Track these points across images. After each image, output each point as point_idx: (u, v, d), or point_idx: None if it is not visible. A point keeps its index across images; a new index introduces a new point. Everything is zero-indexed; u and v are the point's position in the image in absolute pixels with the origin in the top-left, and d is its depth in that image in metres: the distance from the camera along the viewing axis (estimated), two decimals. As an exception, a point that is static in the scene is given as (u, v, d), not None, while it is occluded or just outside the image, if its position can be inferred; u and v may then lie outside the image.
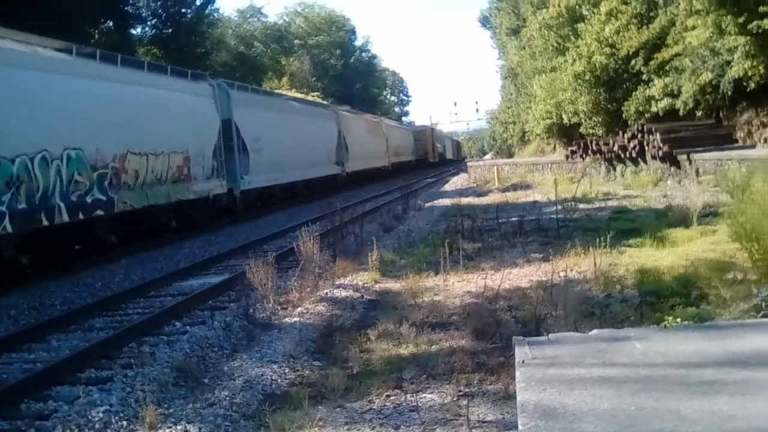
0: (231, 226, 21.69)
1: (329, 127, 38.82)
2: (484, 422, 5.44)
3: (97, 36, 34.83)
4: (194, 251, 17.07)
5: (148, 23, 43.33)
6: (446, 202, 26.64)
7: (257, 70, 55.81)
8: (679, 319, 5.72)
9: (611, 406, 3.66)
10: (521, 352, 4.72)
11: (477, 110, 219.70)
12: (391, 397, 6.25)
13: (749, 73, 19.74)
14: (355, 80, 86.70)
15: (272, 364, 7.57)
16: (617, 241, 11.87)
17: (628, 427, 3.40)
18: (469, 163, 64.09)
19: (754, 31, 18.74)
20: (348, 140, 41.52)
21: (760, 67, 19.37)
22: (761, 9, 18.33)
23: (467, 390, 6.20)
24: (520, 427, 3.54)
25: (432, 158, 75.55)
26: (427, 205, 26.63)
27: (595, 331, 5.25)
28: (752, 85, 20.07)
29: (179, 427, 5.86)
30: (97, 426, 5.95)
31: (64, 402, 6.56)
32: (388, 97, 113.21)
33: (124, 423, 6.10)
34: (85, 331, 9.71)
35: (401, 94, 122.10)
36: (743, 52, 19.66)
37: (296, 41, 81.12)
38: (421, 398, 6.09)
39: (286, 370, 7.42)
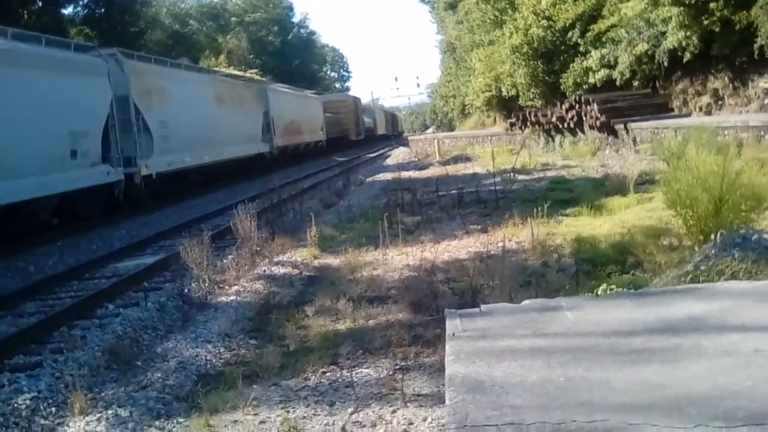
0: (168, 208, 21.28)
1: (252, 102, 34.76)
2: (419, 396, 5.41)
3: (26, 16, 33.92)
4: (131, 232, 16.76)
5: (80, 3, 42.41)
6: (387, 176, 26.58)
7: (194, 49, 55.12)
8: (613, 287, 5.73)
9: (540, 377, 3.62)
10: (452, 324, 4.68)
11: (418, 85, 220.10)
12: (327, 374, 6.19)
13: (684, 44, 19.96)
14: (293, 57, 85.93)
15: (207, 344, 7.45)
16: (555, 211, 11.95)
17: (557, 398, 3.36)
18: (410, 138, 64.36)
19: (687, 2, 18.95)
20: (274, 115, 37.28)
21: (694, 38, 19.60)
22: (694, -20, 18.55)
23: (403, 364, 6.16)
24: (447, 401, 3.49)
25: (354, 135, 64.09)
26: (368, 179, 26.57)
27: (527, 302, 5.22)
28: (687, 56, 20.30)
29: (110, 412, 5.72)
30: (24, 414, 5.78)
31: (-11, 390, 6.38)
32: (328, 73, 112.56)
33: (53, 410, 5.94)
34: (15, 316, 9.46)
35: (341, 70, 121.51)
36: (677, 22, 19.86)
37: (233, 19, 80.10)
38: (356, 374, 6.04)
39: (221, 350, 7.30)
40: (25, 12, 34.54)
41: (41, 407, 5.96)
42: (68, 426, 5.60)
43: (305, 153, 44.25)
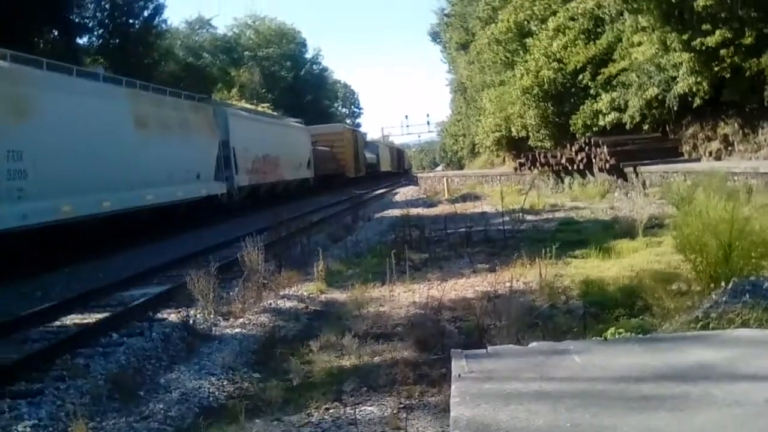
0: (171, 238, 21.30)
1: (201, 129, 26.80)
2: (423, 436, 5.34)
3: (41, 45, 34.19)
4: (136, 262, 16.74)
5: (95, 33, 42.78)
6: (396, 212, 26.56)
7: (205, 81, 55.35)
8: (621, 331, 5.68)
9: (546, 422, 3.58)
10: (458, 365, 4.63)
11: (428, 123, 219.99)
12: (330, 410, 6.13)
13: (694, 89, 20.03)
14: (305, 92, 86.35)
15: (210, 376, 7.41)
16: (563, 252, 11.88)
17: (563, 444, 3.32)
18: (419, 175, 64.45)
19: (697, 48, 19.04)
20: (237, 147, 30.27)
21: (704, 83, 19.66)
22: (704, 27, 18.67)
23: (408, 402, 6.10)
24: (451, 444, 3.44)
25: (353, 172, 58.38)
26: (376, 215, 26.55)
27: (534, 344, 5.18)
28: (697, 101, 20.37)
29: (110, 442, 5.67)
30: (23, 442, 5.74)
31: (-9, 416, 6.33)
32: (339, 108, 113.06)
33: (53, 438, 5.90)
34: (19, 343, 9.43)
35: (353, 106, 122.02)
36: (688, 68, 19.95)
37: (246, 53, 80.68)
38: (360, 411, 5.97)
39: (225, 383, 7.25)
40: (41, 41, 34.82)
41: (41, 435, 5.92)
42: (68, 455, 5.55)
43: (284, 194, 37.29)
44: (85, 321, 10.45)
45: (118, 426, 6.07)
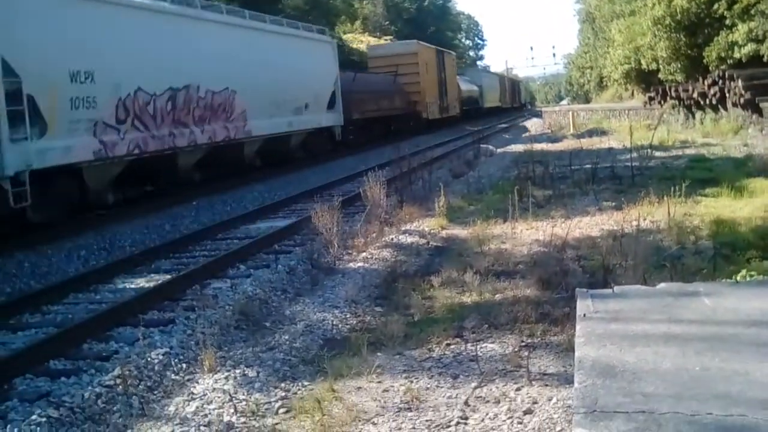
0: (297, 172, 21.64)
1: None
2: (545, 375, 5.30)
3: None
4: (263, 194, 17.13)
5: (219, -30, 43.26)
6: (519, 148, 26.24)
7: (330, 14, 55.36)
8: (753, 274, 5.47)
9: (674, 365, 3.49)
10: (583, 305, 4.56)
11: (554, 55, 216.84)
12: (451, 346, 6.15)
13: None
14: (428, 24, 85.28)
15: (334, 309, 7.54)
16: (693, 191, 11.52)
17: (692, 388, 3.22)
18: (543, 109, 63.14)
19: None
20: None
21: None
22: None
23: (529, 341, 6.06)
24: (575, 385, 3.40)
25: (436, 111, 41.89)
26: (499, 151, 26.32)
27: (662, 285, 5.04)
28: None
29: (237, 371, 5.85)
30: (156, 368, 5.98)
31: (125, 343, 6.63)
32: (462, 41, 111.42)
33: (184, 365, 6.13)
34: (150, 273, 9.81)
35: (476, 38, 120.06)
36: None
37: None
38: (481, 348, 5.97)
39: (348, 316, 7.37)
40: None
41: (172, 363, 6.16)
42: (197, 383, 5.75)
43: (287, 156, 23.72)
44: (213, 252, 10.75)
45: (245, 356, 6.25)
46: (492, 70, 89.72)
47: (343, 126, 26.81)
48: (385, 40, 57.06)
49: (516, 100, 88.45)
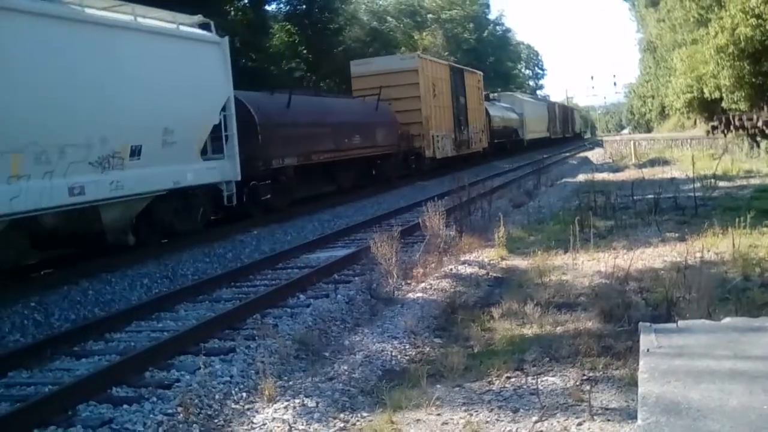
0: (357, 201, 21.76)
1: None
2: (607, 409, 5.22)
3: (232, 13, 35.52)
4: (323, 224, 17.24)
5: (282, 0, 43.96)
6: (580, 177, 26.05)
7: (390, 45, 55.78)
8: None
9: (741, 403, 3.40)
10: (647, 339, 4.48)
11: (614, 84, 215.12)
12: (512, 379, 6.10)
13: None
14: (488, 54, 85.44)
15: (393, 339, 7.52)
16: (759, 222, 11.27)
17: (760, 428, 3.14)
18: (604, 138, 62.56)
19: None
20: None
21: None
22: None
23: (591, 375, 5.97)
24: (639, 422, 3.33)
25: (450, 148, 32.90)
26: (559, 181, 26.14)
27: (728, 320, 4.93)
28: None
29: (297, 401, 5.86)
30: (216, 397, 6.03)
31: (187, 372, 6.69)
32: (522, 70, 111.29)
33: (244, 394, 6.18)
34: (212, 302, 9.92)
35: (536, 68, 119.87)
36: None
37: (429, 16, 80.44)
38: (542, 381, 5.91)
39: (407, 346, 7.35)
40: (232, 9, 36.12)
41: (233, 392, 6.20)
42: (257, 412, 5.79)
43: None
44: (274, 282, 10.83)
45: (304, 385, 6.26)
46: (552, 98, 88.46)
47: (257, 180, 17.14)
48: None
49: (569, 130, 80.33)
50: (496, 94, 53.39)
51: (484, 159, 39.63)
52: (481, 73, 41.94)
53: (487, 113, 42.06)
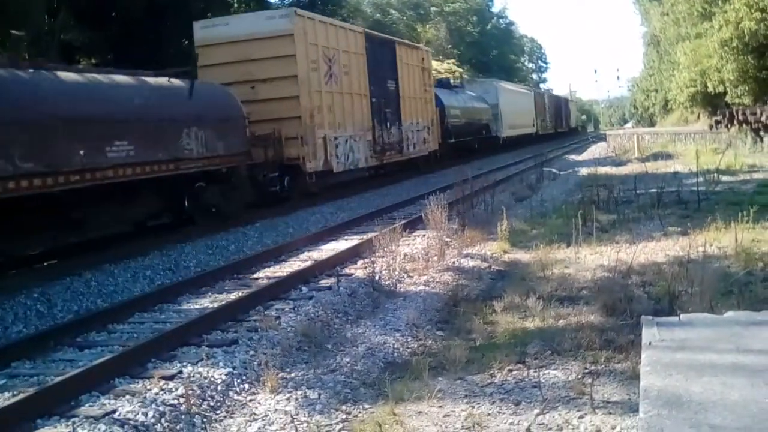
0: (362, 193, 21.76)
1: None
2: (608, 403, 5.23)
3: (236, 4, 35.48)
4: (326, 216, 17.24)
5: (287, -10, 43.90)
6: (583, 171, 26.04)
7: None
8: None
9: (743, 396, 3.41)
10: (649, 333, 4.48)
11: (618, 78, 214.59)
12: (514, 372, 6.11)
13: None
14: (491, 47, 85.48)
15: (395, 332, 7.55)
16: (761, 216, 11.26)
17: (761, 421, 3.15)
18: (608, 132, 62.46)
19: None
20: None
21: None
22: None
23: (593, 368, 5.99)
24: (641, 414, 3.34)
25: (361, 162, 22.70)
26: (562, 173, 26.13)
27: (730, 313, 4.94)
28: None
29: (299, 393, 5.89)
30: (219, 388, 6.04)
31: (189, 363, 6.69)
32: (525, 63, 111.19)
33: (246, 386, 6.18)
34: (215, 293, 9.92)
35: (539, 61, 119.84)
36: None
37: (433, 9, 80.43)
38: (544, 374, 5.93)
39: (409, 339, 7.37)
40: (236, 1, 36.09)
41: (235, 383, 6.22)
42: (259, 403, 5.81)
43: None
44: (277, 274, 10.84)
45: (306, 377, 6.29)
46: (555, 92, 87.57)
47: None
48: (448, 63, 57.09)
49: (562, 124, 71.26)
50: (458, 81, 45.08)
51: (434, 167, 29.74)
52: (429, 50, 32.46)
53: (440, 104, 32.53)
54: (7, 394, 6.20)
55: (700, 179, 15.98)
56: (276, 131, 18.14)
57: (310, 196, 19.35)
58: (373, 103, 23.69)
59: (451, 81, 41.95)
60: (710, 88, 32.21)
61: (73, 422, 5.43)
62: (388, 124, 25.02)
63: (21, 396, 5.85)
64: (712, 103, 34.92)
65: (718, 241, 10.10)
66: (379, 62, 24.61)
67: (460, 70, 54.35)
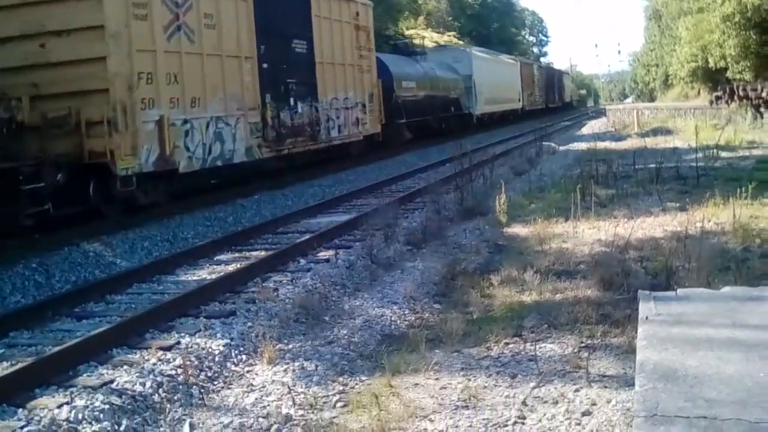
0: (361, 166, 21.69)
1: None
2: (604, 376, 5.25)
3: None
4: (324, 189, 17.22)
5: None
6: (582, 146, 25.98)
7: (393, 10, 55.36)
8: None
9: (738, 371, 3.43)
10: (646, 307, 4.50)
11: (619, 52, 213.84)
12: (510, 345, 6.13)
13: None
14: (492, 20, 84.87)
15: (392, 305, 7.57)
16: (760, 193, 11.26)
17: (756, 395, 3.16)
18: (608, 107, 62.19)
19: None
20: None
21: None
22: None
23: (589, 342, 6.00)
24: (636, 388, 3.36)
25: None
26: (561, 148, 26.07)
27: (727, 289, 4.96)
28: None
29: (296, 364, 5.92)
30: (217, 359, 6.06)
31: (187, 334, 6.71)
32: (526, 37, 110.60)
33: (244, 357, 6.21)
34: (212, 265, 9.93)
35: (540, 35, 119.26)
36: None
37: (433, -21, 79.98)
38: (540, 348, 5.94)
39: (406, 312, 7.39)
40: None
41: (233, 354, 6.24)
42: (257, 374, 5.83)
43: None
44: (275, 246, 10.84)
45: (304, 349, 6.31)
46: (556, 66, 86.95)
47: None
48: (448, 36, 56.73)
49: (554, 98, 64.23)
50: (420, 48, 38.63)
51: (375, 155, 23.91)
52: (368, 3, 24.05)
53: (386, 74, 25.84)
54: (5, 364, 6.22)
55: (699, 155, 15.94)
56: (73, 112, 11.78)
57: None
58: (265, 71, 16.58)
59: (411, 46, 35.44)
60: (711, 64, 32.17)
61: (71, 392, 5.45)
62: (293, 100, 17.98)
63: (19, 366, 5.87)
64: (712, 78, 34.88)
65: (716, 216, 10.10)
66: (278, 13, 17.46)
67: (461, 42, 53.74)
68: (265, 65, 16.58)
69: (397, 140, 26.53)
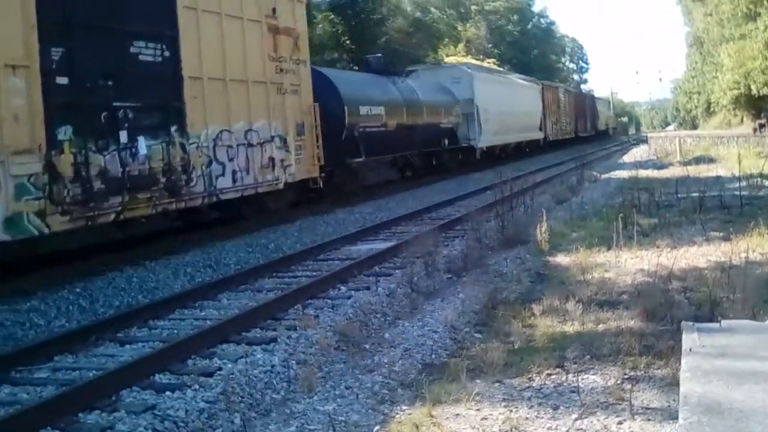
0: (403, 193, 21.74)
1: None
2: (648, 409, 5.19)
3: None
4: (365, 216, 17.27)
5: (326, -11, 44.03)
6: (623, 174, 25.80)
7: (433, 37, 55.59)
8: None
9: (785, 405, 3.38)
10: (689, 338, 4.46)
11: (660, 80, 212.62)
12: (552, 376, 6.08)
13: None
14: (532, 47, 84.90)
15: (433, 333, 7.54)
16: (807, 222, 11.13)
17: (804, 430, 3.12)
18: (649, 135, 61.71)
19: None
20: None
21: None
22: None
23: (632, 374, 5.94)
24: (680, 421, 3.32)
25: None
26: (603, 176, 25.92)
27: (773, 321, 4.89)
28: None
29: (337, 392, 5.93)
30: (258, 386, 6.09)
31: (229, 360, 6.75)
32: (566, 64, 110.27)
33: (285, 384, 6.22)
34: (254, 291, 9.99)
35: (580, 61, 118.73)
36: None
37: (473, 7, 79.98)
38: (583, 379, 5.89)
39: (447, 341, 7.36)
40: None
41: (274, 381, 6.26)
42: (298, 402, 5.84)
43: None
44: (315, 273, 10.88)
45: (344, 377, 6.32)
46: (596, 93, 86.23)
47: None
48: (488, 63, 56.79)
49: (586, 127, 58.22)
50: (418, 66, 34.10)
51: (303, 210, 17.75)
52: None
53: (333, 95, 19.74)
54: (50, 388, 6.31)
55: (743, 183, 15.77)
56: None
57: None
58: (60, 89, 10.37)
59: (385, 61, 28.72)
60: (754, 91, 31.86)
61: (114, 416, 5.51)
62: (127, 135, 11.57)
63: (63, 390, 5.95)
64: (756, 105, 34.52)
65: (761, 246, 9.98)
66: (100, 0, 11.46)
67: (501, 69, 53.72)
68: (60, 80, 10.39)
69: (352, 186, 21.17)
